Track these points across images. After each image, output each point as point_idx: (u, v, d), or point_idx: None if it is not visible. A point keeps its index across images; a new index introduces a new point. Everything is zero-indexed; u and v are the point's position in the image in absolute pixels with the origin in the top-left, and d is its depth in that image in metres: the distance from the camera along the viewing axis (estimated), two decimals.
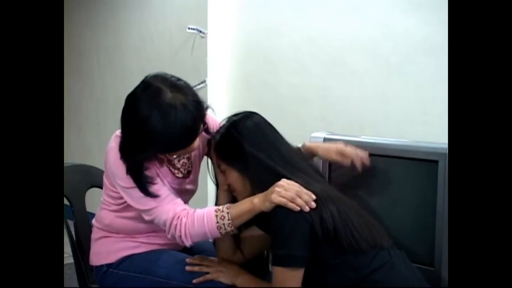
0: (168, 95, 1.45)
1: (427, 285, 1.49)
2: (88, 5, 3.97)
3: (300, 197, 1.40)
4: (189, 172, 1.72)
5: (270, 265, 1.46)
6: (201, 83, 2.96)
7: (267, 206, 1.43)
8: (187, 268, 1.59)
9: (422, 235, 1.71)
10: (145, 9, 3.47)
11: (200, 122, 1.51)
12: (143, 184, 1.53)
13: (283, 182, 1.44)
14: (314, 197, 1.41)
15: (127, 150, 1.53)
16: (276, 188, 1.42)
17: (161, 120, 1.44)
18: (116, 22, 3.74)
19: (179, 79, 1.52)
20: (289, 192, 1.40)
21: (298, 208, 1.38)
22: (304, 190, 1.42)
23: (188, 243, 1.54)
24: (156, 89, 1.47)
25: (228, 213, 1.49)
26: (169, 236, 1.56)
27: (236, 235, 1.59)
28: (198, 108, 1.49)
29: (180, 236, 1.52)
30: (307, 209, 1.39)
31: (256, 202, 1.46)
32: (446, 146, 1.59)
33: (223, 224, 1.49)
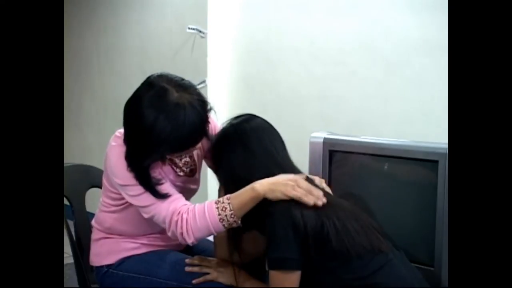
0: (175, 94, 1.43)
1: (427, 285, 1.49)
2: (88, 6, 3.97)
3: (311, 194, 1.40)
4: (192, 171, 1.71)
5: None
6: (201, 83, 2.96)
7: (277, 196, 1.40)
8: (187, 268, 1.59)
9: (422, 235, 1.71)
10: (145, 9, 3.47)
11: (207, 121, 1.50)
12: (153, 188, 1.51)
13: (294, 176, 1.43)
14: (322, 193, 1.42)
15: (134, 156, 1.49)
16: (290, 182, 1.40)
17: (170, 120, 1.41)
18: (116, 22, 3.75)
19: (182, 79, 1.50)
20: (301, 188, 1.40)
21: (312, 203, 1.38)
22: (313, 187, 1.43)
23: (190, 240, 1.48)
24: (161, 88, 1.44)
25: (229, 203, 1.44)
26: (169, 234, 1.51)
27: (234, 236, 1.57)
28: (204, 107, 1.48)
29: (182, 233, 1.47)
30: (320, 203, 1.39)
31: (258, 189, 1.41)
32: (446, 146, 1.59)
33: (225, 215, 1.44)
